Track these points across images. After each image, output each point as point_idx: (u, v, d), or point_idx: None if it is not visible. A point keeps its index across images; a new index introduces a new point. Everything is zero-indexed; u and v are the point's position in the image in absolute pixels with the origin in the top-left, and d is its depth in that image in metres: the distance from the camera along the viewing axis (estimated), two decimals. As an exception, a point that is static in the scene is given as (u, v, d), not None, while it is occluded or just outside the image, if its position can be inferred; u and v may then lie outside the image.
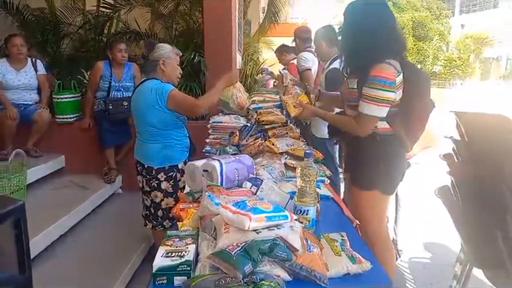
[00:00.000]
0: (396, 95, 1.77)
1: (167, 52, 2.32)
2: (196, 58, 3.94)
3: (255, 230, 1.09)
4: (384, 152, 1.89)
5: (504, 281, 1.80)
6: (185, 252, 1.09)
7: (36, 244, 2.34)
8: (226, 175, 1.52)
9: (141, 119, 2.29)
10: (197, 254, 1.12)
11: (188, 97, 2.33)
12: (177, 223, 1.36)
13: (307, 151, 1.39)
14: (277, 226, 1.13)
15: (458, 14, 31.16)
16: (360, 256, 1.15)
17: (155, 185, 2.34)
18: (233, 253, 1.01)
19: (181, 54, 2.46)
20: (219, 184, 1.47)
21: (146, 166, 2.34)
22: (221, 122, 2.67)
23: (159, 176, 2.33)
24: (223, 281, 0.95)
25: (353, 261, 1.12)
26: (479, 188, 1.73)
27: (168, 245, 1.12)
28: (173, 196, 2.34)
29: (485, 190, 1.71)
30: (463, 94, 20.66)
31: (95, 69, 3.57)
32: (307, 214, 1.36)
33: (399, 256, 2.82)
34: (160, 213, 2.40)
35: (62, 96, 3.72)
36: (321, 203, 1.58)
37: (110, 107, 3.47)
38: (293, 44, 4.22)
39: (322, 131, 2.98)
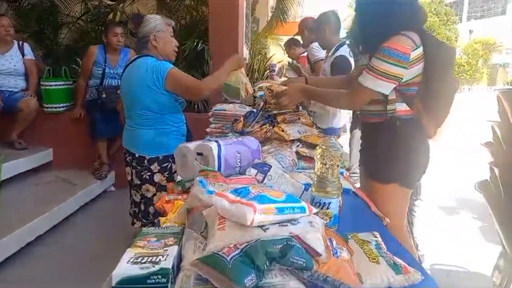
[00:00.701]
0: (407, 71, 1.51)
1: (158, 25, 2.03)
2: (200, 45, 3.65)
3: (261, 227, 0.78)
4: (404, 139, 1.62)
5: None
6: (162, 256, 0.77)
7: (7, 245, 2.03)
8: (226, 160, 1.21)
9: (133, 100, 2.01)
10: (179, 259, 0.81)
11: (190, 77, 2.04)
12: (160, 218, 1.05)
13: (328, 127, 1.07)
14: (291, 221, 0.82)
15: (466, 20, 30.80)
16: (406, 264, 0.83)
17: (147, 177, 2.04)
18: (228, 259, 0.70)
19: (173, 23, 2.17)
20: (216, 170, 1.16)
21: (137, 155, 2.05)
22: (224, 110, 2.38)
23: (152, 167, 2.03)
24: (212, 301, 0.63)
25: (397, 271, 0.80)
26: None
27: (139, 247, 0.81)
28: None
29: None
30: (471, 99, 20.31)
31: (88, 54, 3.28)
32: (328, 208, 1.05)
33: (421, 262, 2.49)
34: (151, 209, 2.09)
35: (51, 83, 3.42)
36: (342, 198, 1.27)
37: (103, 95, 3.18)
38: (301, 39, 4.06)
39: (328, 121, 2.66)
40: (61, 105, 3.47)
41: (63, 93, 3.47)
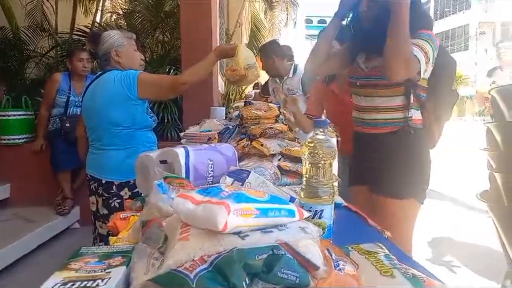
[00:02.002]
0: (429, 66, 1.44)
1: (117, 40, 1.89)
2: (172, 72, 3.52)
3: (237, 233, 0.59)
4: (418, 150, 1.52)
5: None
6: (102, 280, 0.56)
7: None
8: (195, 168, 1.01)
9: (100, 118, 1.82)
10: (127, 283, 0.59)
11: (162, 75, 1.92)
12: (110, 238, 0.83)
13: (319, 120, 0.90)
14: (277, 226, 0.63)
15: (432, 56, 32.56)
16: (428, 277, 0.63)
17: (117, 205, 1.80)
18: (192, 276, 0.49)
19: (134, 36, 2.02)
20: (182, 177, 0.96)
21: (104, 181, 1.82)
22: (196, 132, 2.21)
23: (122, 193, 1.81)
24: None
25: (418, 285, 0.61)
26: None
27: (71, 270, 0.59)
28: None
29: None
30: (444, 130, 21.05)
31: (51, 81, 3.08)
32: (320, 218, 0.85)
33: None
34: None
35: (9, 113, 3.17)
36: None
37: (67, 124, 2.95)
38: None
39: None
40: (20, 136, 3.20)
41: (23, 123, 3.21)
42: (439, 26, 32.09)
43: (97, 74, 1.91)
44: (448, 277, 2.44)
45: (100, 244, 1.88)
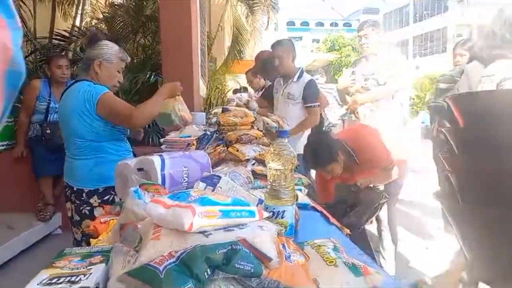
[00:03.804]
0: None
1: (109, 54, 1.90)
2: (153, 77, 3.58)
3: (202, 232, 0.68)
4: None
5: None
6: (84, 275, 0.64)
7: None
8: (170, 175, 1.10)
9: (68, 129, 1.85)
10: (107, 278, 0.68)
11: (124, 103, 1.85)
12: (90, 240, 0.91)
13: (282, 131, 1.01)
14: (238, 226, 0.72)
15: (412, 58, 33.16)
16: (366, 265, 0.74)
17: (87, 212, 1.85)
18: (161, 269, 0.58)
19: (128, 60, 2.06)
20: (158, 183, 1.04)
21: (75, 189, 1.86)
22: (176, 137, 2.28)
23: (91, 200, 1.85)
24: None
25: (356, 273, 0.71)
26: (487, 183, 1.41)
27: (57, 267, 0.68)
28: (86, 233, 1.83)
29: (496, 184, 1.38)
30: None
31: (31, 89, 3.09)
32: (282, 217, 0.95)
33: None
34: None
35: (-11, 121, 3.15)
36: (300, 212, 1.19)
37: (48, 131, 2.97)
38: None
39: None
40: (0, 143, 3.20)
41: (3, 130, 3.20)
42: (419, 29, 32.79)
43: (70, 83, 1.92)
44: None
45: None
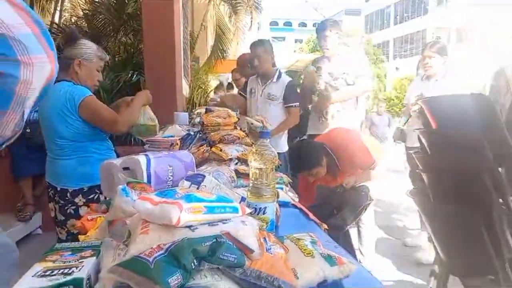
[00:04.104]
0: None
1: (88, 53, 1.91)
2: (135, 77, 3.58)
3: (189, 227, 0.72)
4: None
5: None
6: (76, 268, 0.68)
7: None
8: (156, 173, 1.14)
9: (49, 129, 1.86)
10: (97, 271, 0.72)
11: (107, 109, 1.87)
12: (79, 237, 0.94)
13: (263, 131, 1.06)
14: (222, 221, 0.77)
15: (392, 59, 33.81)
16: (340, 256, 0.81)
17: (72, 211, 1.86)
18: (151, 260, 0.63)
19: (107, 58, 2.07)
20: (144, 182, 1.08)
21: (59, 188, 1.87)
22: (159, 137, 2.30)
23: (76, 200, 1.86)
24: (131, 303, 0.56)
25: (331, 263, 0.77)
26: (455, 182, 1.50)
27: (49, 261, 0.71)
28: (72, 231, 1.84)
29: (463, 183, 1.47)
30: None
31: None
32: (264, 214, 1.01)
33: None
34: None
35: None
36: (280, 210, 1.25)
37: (28, 130, 2.93)
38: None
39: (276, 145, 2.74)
40: (-21, 142, 3.14)
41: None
42: (399, 31, 33.44)
43: None
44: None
45: None
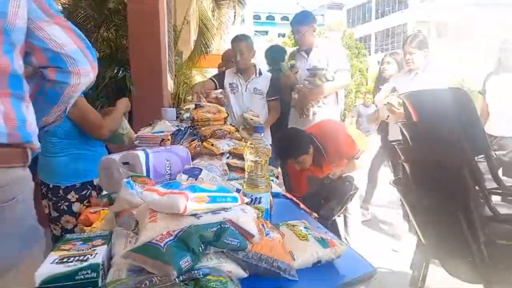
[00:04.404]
0: None
1: None
2: (121, 73, 3.58)
3: (194, 215, 0.79)
4: None
5: (469, 273, 1.65)
6: (91, 255, 0.74)
7: None
8: (154, 167, 1.19)
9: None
10: (109, 258, 0.77)
11: (95, 112, 1.89)
12: (84, 228, 0.99)
13: (256, 126, 1.12)
14: (223, 209, 0.84)
15: (374, 53, 34.22)
16: (332, 239, 0.88)
17: (65, 208, 1.88)
18: (162, 244, 0.69)
19: (97, 55, 2.08)
20: (144, 175, 1.13)
21: (51, 186, 1.89)
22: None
23: (69, 196, 1.88)
24: (148, 283, 0.62)
25: (324, 245, 0.85)
26: (436, 172, 1.60)
27: (64, 250, 0.76)
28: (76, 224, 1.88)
29: (442, 173, 1.57)
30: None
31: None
32: (259, 203, 1.07)
33: None
34: None
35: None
36: (273, 200, 1.32)
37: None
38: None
39: None
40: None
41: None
42: (380, 24, 33.86)
43: None
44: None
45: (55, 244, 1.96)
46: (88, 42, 0.96)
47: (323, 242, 0.85)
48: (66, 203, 1.88)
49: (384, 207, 4.20)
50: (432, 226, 1.75)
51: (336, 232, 2.44)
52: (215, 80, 3.22)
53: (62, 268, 0.68)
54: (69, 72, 0.90)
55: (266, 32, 42.02)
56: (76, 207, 1.88)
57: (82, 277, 0.67)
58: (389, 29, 33.24)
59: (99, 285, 0.68)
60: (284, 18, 45.01)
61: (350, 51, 33.15)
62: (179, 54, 8.16)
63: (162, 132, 2.36)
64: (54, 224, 1.94)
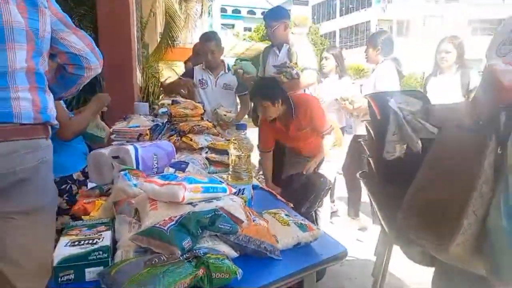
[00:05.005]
0: None
1: None
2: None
3: (190, 203, 0.89)
4: None
5: (422, 257, 1.84)
6: (98, 239, 0.82)
7: None
8: (143, 161, 1.28)
9: None
10: (114, 242, 0.86)
11: (61, 112, 1.74)
12: (82, 217, 1.06)
13: (239, 123, 1.23)
14: (215, 198, 0.94)
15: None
16: (310, 224, 1.01)
17: None
18: (166, 228, 0.79)
19: None
20: (135, 168, 1.22)
21: None
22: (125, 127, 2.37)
23: None
24: (157, 260, 0.72)
25: (303, 229, 0.98)
26: (396, 165, 1.77)
27: (72, 235, 0.84)
28: (70, 214, 1.90)
29: (402, 166, 1.75)
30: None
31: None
32: (243, 194, 1.19)
33: None
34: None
35: None
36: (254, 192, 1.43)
37: None
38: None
39: None
40: None
41: None
42: (344, 22, 34.67)
43: None
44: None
45: None
46: (94, 45, 1.29)
47: (302, 227, 0.98)
48: None
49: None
50: (394, 214, 1.92)
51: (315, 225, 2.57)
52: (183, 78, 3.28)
53: (76, 250, 0.76)
54: (84, 68, 1.25)
55: (233, 26, 41.87)
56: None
57: (95, 257, 0.76)
58: (353, 26, 34.06)
59: (109, 264, 0.77)
60: (251, 12, 44.99)
61: (315, 47, 33.86)
62: (145, 46, 8.04)
63: (137, 126, 2.41)
64: None
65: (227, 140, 1.96)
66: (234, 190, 1.03)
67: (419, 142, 1.52)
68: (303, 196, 2.36)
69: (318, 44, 34.34)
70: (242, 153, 1.18)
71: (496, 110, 0.92)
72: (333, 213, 3.79)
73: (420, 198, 0.89)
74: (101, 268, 0.75)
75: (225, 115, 2.75)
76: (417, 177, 1.27)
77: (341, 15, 36.00)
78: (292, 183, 2.50)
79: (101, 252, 0.77)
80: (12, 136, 1.02)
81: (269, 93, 2.35)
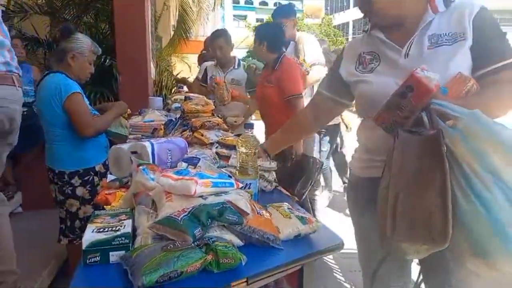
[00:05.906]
0: None
1: (83, 47, 2.05)
2: (108, 61, 3.67)
3: (201, 196, 0.99)
4: None
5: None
6: (121, 227, 0.94)
7: None
8: (158, 156, 1.38)
9: (43, 117, 2.01)
10: (134, 229, 0.97)
11: (86, 112, 2.01)
12: (105, 207, 1.18)
13: (247, 123, 1.33)
14: (223, 192, 1.05)
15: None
16: (310, 217, 1.11)
17: (69, 192, 2.04)
18: (179, 218, 0.90)
19: (99, 52, 2.19)
20: (151, 163, 1.33)
21: (57, 171, 2.04)
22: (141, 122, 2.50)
23: (72, 181, 2.04)
24: (172, 246, 0.83)
25: (303, 222, 1.08)
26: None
27: (98, 223, 0.96)
28: (92, 203, 2.05)
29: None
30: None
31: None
32: (249, 188, 1.29)
33: None
34: (77, 223, 2.08)
35: None
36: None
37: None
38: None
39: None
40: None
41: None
42: (358, 13, 34.05)
43: (45, 74, 2.07)
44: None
45: (62, 225, 2.13)
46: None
47: (302, 220, 1.08)
48: (70, 187, 2.04)
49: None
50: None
51: (307, 207, 2.66)
52: (202, 82, 3.42)
53: (102, 235, 0.88)
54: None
55: (245, 17, 41.70)
56: (79, 191, 2.05)
57: (118, 242, 0.88)
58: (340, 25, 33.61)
59: (130, 249, 0.88)
60: (263, 3, 44.72)
61: (328, 38, 33.57)
62: (159, 39, 8.15)
63: (152, 121, 2.54)
64: (60, 207, 2.10)
65: (237, 135, 2.06)
66: (241, 185, 1.13)
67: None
68: (294, 178, 2.40)
69: (331, 36, 34.02)
70: (249, 150, 1.28)
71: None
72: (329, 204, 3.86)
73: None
74: (123, 252, 0.87)
75: (235, 122, 2.94)
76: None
77: (354, 6, 35.47)
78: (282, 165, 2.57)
79: (123, 238, 0.88)
80: None
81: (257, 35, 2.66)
